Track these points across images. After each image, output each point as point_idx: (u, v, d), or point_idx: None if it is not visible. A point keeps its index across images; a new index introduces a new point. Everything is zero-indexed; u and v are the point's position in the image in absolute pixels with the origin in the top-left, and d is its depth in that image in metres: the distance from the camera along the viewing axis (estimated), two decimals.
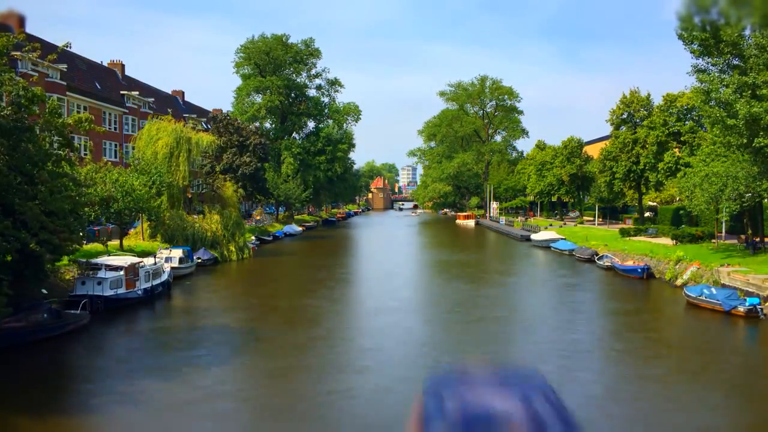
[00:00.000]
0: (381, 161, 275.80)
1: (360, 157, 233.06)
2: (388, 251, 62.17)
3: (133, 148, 48.95)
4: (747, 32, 30.39)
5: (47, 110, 22.95)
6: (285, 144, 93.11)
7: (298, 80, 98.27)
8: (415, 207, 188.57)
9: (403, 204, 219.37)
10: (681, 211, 53.18)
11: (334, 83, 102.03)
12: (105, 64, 68.40)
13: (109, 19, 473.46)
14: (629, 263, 40.22)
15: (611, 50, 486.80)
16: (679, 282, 34.11)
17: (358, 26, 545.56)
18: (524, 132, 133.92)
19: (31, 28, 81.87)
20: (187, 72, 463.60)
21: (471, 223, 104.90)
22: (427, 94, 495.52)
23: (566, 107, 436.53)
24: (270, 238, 67.43)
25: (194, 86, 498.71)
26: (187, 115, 77.57)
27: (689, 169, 42.62)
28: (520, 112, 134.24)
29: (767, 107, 27.87)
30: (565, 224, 78.90)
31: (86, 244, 33.09)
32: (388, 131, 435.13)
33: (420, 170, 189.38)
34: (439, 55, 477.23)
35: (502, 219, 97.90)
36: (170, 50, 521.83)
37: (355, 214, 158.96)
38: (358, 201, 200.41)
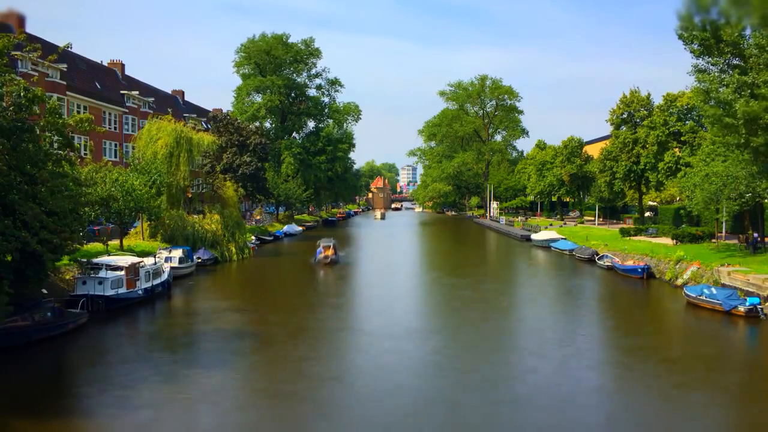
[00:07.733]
0: (381, 161, 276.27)
1: (360, 157, 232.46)
2: (388, 251, 62.16)
3: (133, 148, 48.91)
4: (747, 32, 30.42)
5: (48, 110, 22.94)
6: (285, 144, 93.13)
7: (298, 80, 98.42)
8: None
9: (402, 204, 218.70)
10: (681, 211, 53.15)
11: (334, 83, 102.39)
12: (105, 63, 68.42)
13: None
14: (629, 263, 40.20)
15: None
16: (679, 282, 34.09)
17: None
18: (524, 132, 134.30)
19: (31, 25, 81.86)
20: (192, 54, 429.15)
21: None
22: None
23: None
24: (270, 238, 67.39)
25: (194, 86, 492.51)
26: (187, 114, 77.54)
27: (689, 169, 42.64)
28: (520, 112, 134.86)
29: (766, 106, 27.84)
30: (565, 224, 78.88)
31: (86, 243, 33.05)
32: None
33: (420, 170, 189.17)
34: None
35: (502, 219, 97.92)
36: (180, 20, 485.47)
37: (356, 213, 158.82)
38: (358, 201, 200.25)
